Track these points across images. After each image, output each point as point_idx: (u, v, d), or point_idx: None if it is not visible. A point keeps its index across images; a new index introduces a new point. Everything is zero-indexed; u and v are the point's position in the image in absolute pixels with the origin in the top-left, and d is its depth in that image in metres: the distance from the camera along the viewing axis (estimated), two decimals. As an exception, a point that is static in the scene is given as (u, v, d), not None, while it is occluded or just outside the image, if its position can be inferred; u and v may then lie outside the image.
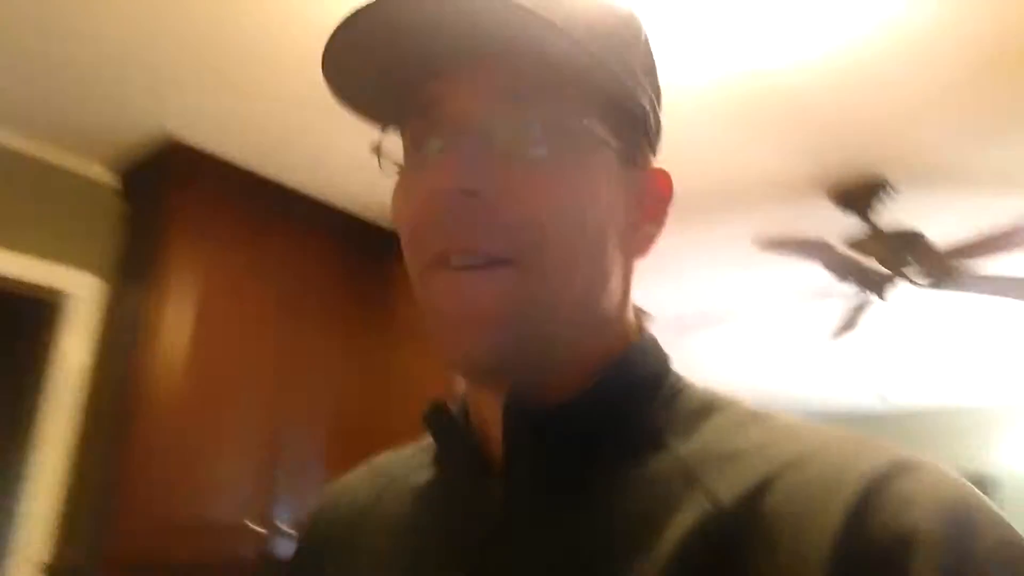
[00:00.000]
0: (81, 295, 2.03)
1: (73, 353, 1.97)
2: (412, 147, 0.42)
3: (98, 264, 2.08)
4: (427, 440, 0.51)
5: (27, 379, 1.96)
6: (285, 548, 2.00)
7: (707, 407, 0.43)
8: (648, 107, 0.44)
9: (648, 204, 0.45)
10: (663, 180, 0.47)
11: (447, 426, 0.46)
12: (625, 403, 0.42)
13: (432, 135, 0.41)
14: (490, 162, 0.38)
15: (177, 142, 1.99)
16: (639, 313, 0.48)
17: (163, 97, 1.82)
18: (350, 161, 2.05)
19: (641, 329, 0.47)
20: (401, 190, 0.42)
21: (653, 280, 2.93)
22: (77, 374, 1.96)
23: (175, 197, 2.01)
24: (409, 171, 0.42)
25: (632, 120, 0.43)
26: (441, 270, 0.39)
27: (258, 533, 1.97)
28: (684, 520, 0.36)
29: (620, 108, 0.42)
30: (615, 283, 0.43)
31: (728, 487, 0.36)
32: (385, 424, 2.23)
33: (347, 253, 2.40)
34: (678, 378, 0.46)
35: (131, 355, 1.89)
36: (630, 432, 0.41)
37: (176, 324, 1.92)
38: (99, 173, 2.15)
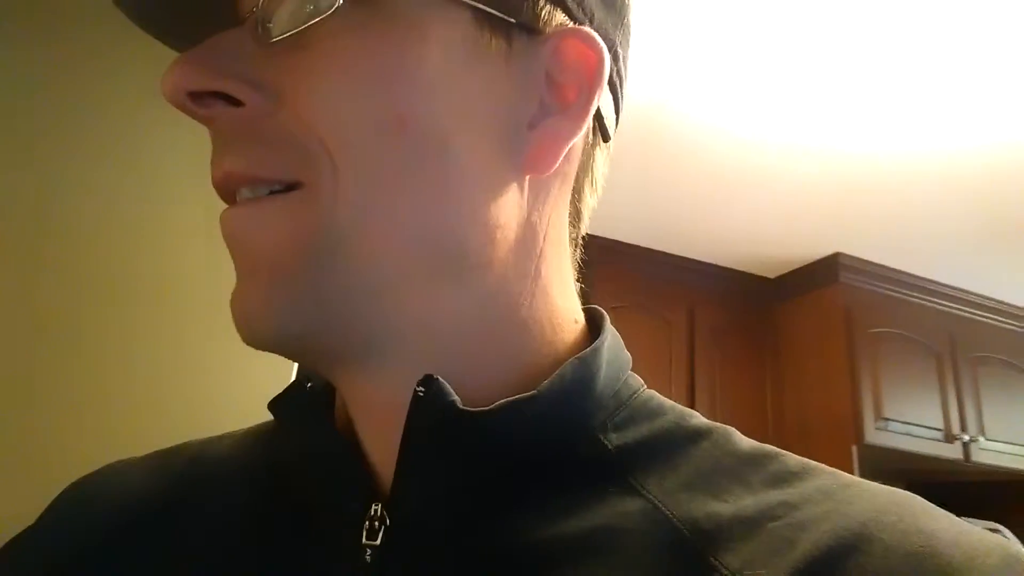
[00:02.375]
0: None
1: None
2: None
3: None
4: (261, 428, 0.38)
5: None
6: None
7: (691, 434, 0.31)
8: None
9: (566, 89, 0.30)
10: (587, 53, 0.30)
11: (310, 420, 0.31)
12: (583, 419, 0.30)
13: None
14: (244, 56, 0.27)
15: (599, 236, 2.39)
16: (592, 307, 0.36)
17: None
18: (735, 230, 2.31)
19: (599, 323, 0.34)
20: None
21: None
22: None
23: (598, 279, 2.27)
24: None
25: None
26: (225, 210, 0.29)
27: None
28: None
29: None
30: (497, 212, 0.29)
31: (760, 574, 0.24)
32: (788, 441, 2.14)
33: (733, 302, 2.62)
34: (647, 393, 0.34)
35: None
36: (587, 461, 0.29)
37: None
38: None
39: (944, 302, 2.60)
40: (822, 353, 2.44)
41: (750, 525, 0.26)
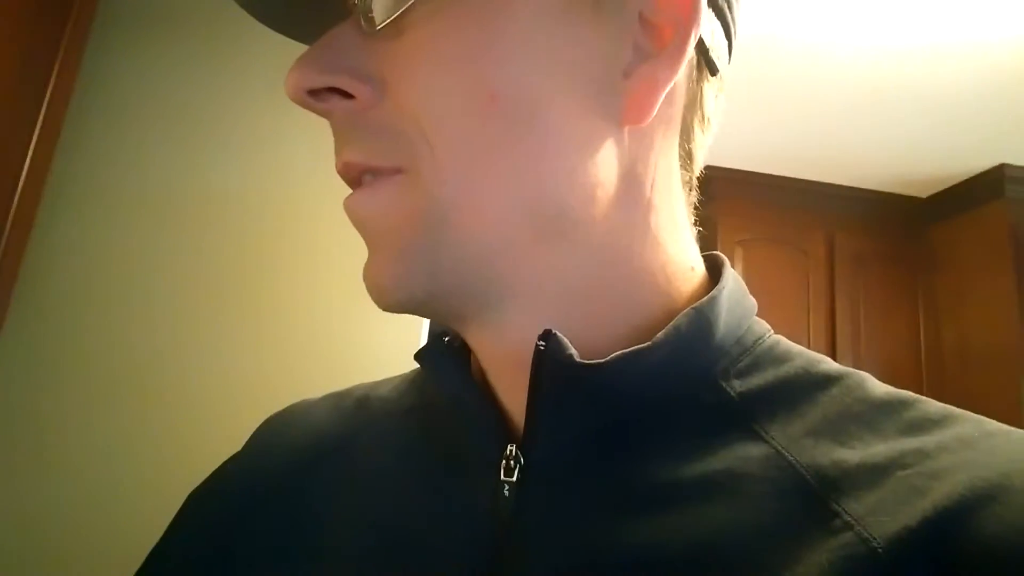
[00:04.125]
0: None
1: None
2: None
3: None
4: (415, 375, 0.41)
5: None
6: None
7: (819, 380, 0.30)
8: None
9: (664, 32, 0.29)
10: None
11: (450, 370, 0.34)
12: (704, 367, 0.30)
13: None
14: (351, 51, 0.29)
15: (720, 168, 2.31)
16: (713, 254, 0.35)
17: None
18: (878, 147, 2.14)
19: (720, 270, 0.33)
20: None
21: None
22: None
23: (716, 209, 2.33)
24: None
25: None
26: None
27: None
28: (818, 561, 0.23)
29: None
30: (599, 167, 0.29)
31: (885, 521, 0.23)
32: (950, 380, 2.22)
33: (877, 227, 2.46)
34: (773, 339, 0.33)
35: None
36: (709, 408, 0.29)
37: None
38: None
39: None
40: (985, 277, 2.22)
41: (878, 473, 0.25)
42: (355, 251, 0.34)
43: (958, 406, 0.67)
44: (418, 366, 0.38)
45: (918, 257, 2.43)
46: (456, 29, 0.28)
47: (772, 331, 0.33)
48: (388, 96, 0.28)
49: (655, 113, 0.29)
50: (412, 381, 0.41)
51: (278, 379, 1.12)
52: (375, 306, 0.31)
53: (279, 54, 1.24)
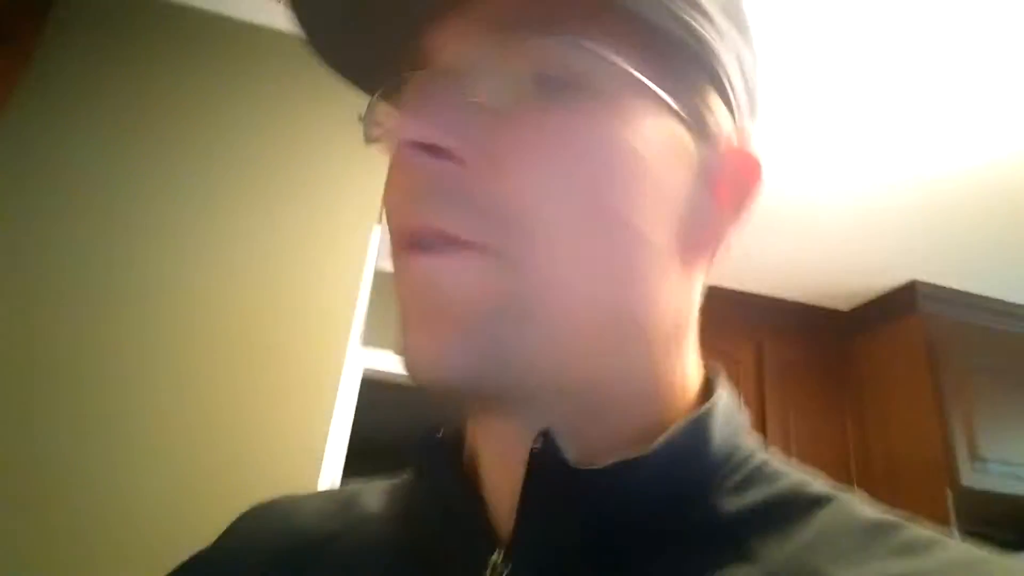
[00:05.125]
0: None
1: None
2: (397, 108, 0.33)
3: None
4: (406, 479, 0.40)
5: None
6: None
7: (810, 500, 0.30)
8: (726, 57, 0.31)
9: (722, 191, 0.33)
10: (747, 162, 0.33)
11: (439, 467, 0.34)
12: (697, 481, 0.30)
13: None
14: (469, 115, 0.28)
15: None
16: (710, 364, 0.36)
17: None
18: (801, 261, 2.24)
19: (714, 382, 0.34)
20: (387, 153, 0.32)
21: None
22: None
23: None
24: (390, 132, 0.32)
25: (694, 67, 0.31)
26: (404, 253, 0.29)
27: None
28: None
29: (672, 47, 0.30)
30: (664, 295, 0.31)
31: None
32: (876, 492, 2.16)
33: (804, 337, 2.52)
34: (764, 456, 0.33)
35: None
36: (701, 524, 0.29)
37: None
38: None
39: (1037, 329, 2.41)
40: (906, 389, 2.28)
41: None
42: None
43: None
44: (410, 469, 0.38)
45: (843, 368, 2.50)
46: (578, 127, 0.28)
47: (762, 447, 0.34)
48: (494, 171, 0.28)
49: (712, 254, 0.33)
50: (402, 485, 0.39)
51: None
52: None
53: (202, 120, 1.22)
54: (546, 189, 0.27)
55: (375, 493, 0.40)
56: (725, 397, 0.33)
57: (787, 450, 2.28)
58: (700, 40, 0.30)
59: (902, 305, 2.35)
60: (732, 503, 0.29)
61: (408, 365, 0.29)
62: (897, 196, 1.89)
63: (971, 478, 2.07)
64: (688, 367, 0.34)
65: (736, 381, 2.20)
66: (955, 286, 2.31)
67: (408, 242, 0.29)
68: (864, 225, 2.03)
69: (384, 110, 0.33)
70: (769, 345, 2.43)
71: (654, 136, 0.29)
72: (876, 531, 0.28)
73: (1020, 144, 1.66)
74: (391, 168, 0.31)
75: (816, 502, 0.30)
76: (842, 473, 2.34)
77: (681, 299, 0.32)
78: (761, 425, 2.30)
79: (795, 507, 0.30)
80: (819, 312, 2.54)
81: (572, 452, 0.28)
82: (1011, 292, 2.33)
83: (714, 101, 0.32)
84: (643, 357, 0.31)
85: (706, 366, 0.36)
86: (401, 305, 0.30)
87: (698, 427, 0.30)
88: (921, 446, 2.18)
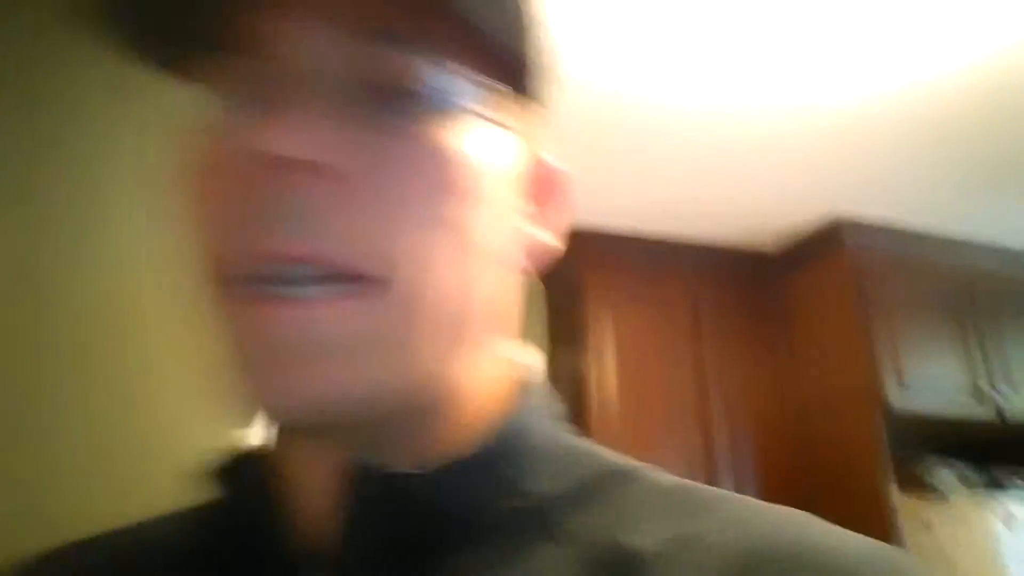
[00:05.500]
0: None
1: None
2: (219, 99, 0.28)
3: (534, 334, 2.48)
4: (189, 506, 0.37)
5: None
6: None
7: (614, 477, 0.33)
8: (532, 55, 0.31)
9: (536, 195, 0.36)
10: (552, 168, 0.37)
11: (248, 488, 0.33)
12: (516, 473, 0.32)
13: (255, 84, 0.27)
14: (344, 129, 0.27)
15: (575, 228, 2.27)
16: (528, 354, 0.38)
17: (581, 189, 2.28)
18: (725, 202, 2.25)
19: (533, 374, 0.37)
20: (194, 159, 0.28)
21: None
22: None
23: (583, 274, 2.36)
24: (212, 132, 0.28)
25: (516, 73, 0.31)
26: (248, 292, 0.26)
27: None
28: None
29: (502, 55, 0.29)
30: (500, 300, 0.33)
31: None
32: (808, 423, 2.38)
33: (738, 282, 2.55)
34: (573, 442, 0.36)
35: (574, 405, 2.23)
36: (517, 513, 0.31)
37: (604, 375, 2.24)
38: None
39: (958, 255, 2.50)
40: (835, 322, 2.36)
41: (668, 556, 0.27)
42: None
43: (826, 450, 1.74)
44: (201, 498, 0.36)
45: (775, 308, 2.56)
46: (448, 146, 0.28)
47: (573, 432, 0.36)
48: (374, 191, 0.27)
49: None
50: (200, 512, 0.36)
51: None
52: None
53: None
54: (424, 209, 0.27)
55: (164, 527, 0.38)
56: (541, 390, 0.36)
57: (726, 391, 2.34)
58: (535, 51, 0.30)
59: (829, 241, 2.40)
60: (546, 489, 0.31)
61: (269, 401, 0.26)
62: (809, 131, 1.89)
63: (898, 400, 2.17)
64: (511, 362, 0.36)
65: (673, 330, 2.25)
66: (880, 218, 2.37)
67: (254, 275, 0.26)
68: (787, 163, 2.04)
69: (215, 108, 0.28)
70: (703, 292, 2.46)
71: (492, 147, 0.31)
72: (672, 497, 0.31)
73: (941, 68, 1.66)
74: (220, 177, 0.27)
75: (622, 478, 0.32)
76: (779, 412, 2.42)
77: (510, 300, 0.34)
78: (700, 370, 2.35)
79: (603, 485, 0.32)
80: (749, 255, 2.58)
81: (400, 459, 0.29)
82: (933, 222, 2.41)
83: (531, 109, 0.33)
84: (477, 359, 0.32)
85: (524, 357, 0.38)
86: (244, 348, 0.26)
87: (518, 423, 0.33)
88: (852, 375, 2.27)
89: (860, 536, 0.28)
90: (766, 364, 2.47)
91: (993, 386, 2.33)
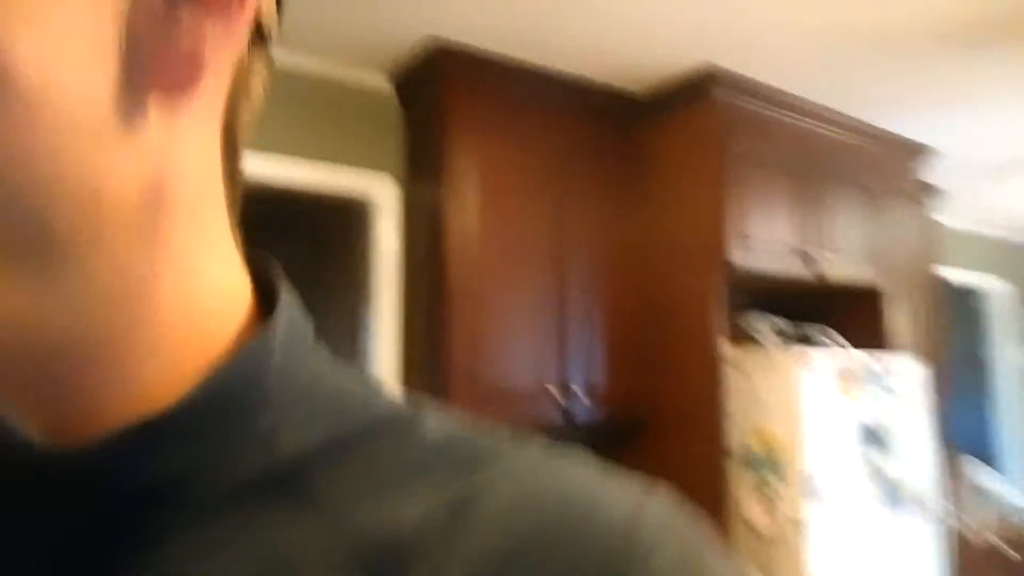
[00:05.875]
0: (383, 194, 2.29)
1: (386, 239, 2.27)
2: None
3: (391, 165, 2.31)
4: None
5: (358, 261, 2.32)
6: (578, 411, 2.22)
7: (379, 424, 0.26)
8: None
9: None
10: None
11: None
12: (251, 429, 0.24)
13: None
14: None
15: (441, 45, 2.10)
16: (262, 258, 0.28)
17: (425, 2, 1.89)
18: (597, 37, 2.10)
19: (272, 284, 0.27)
20: None
21: (955, 117, 2.62)
22: (392, 255, 2.27)
23: (446, 96, 2.14)
24: None
25: None
26: None
27: (556, 397, 2.19)
28: None
29: None
30: (99, 167, 0.20)
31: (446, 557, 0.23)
32: (655, 272, 2.44)
33: (603, 121, 2.46)
34: (331, 374, 0.28)
35: (431, 239, 2.12)
36: (256, 477, 0.23)
37: (464, 209, 2.10)
38: (379, 82, 2.32)
39: (808, 119, 2.58)
40: (692, 174, 2.37)
41: (435, 534, 0.23)
42: None
43: (668, 298, 2.35)
44: None
45: (639, 152, 2.52)
46: None
47: (331, 360, 0.28)
48: None
49: (200, 85, 0.22)
50: None
51: None
52: None
53: None
54: None
55: None
56: (288, 310, 0.26)
57: (581, 231, 2.33)
58: None
59: (696, 90, 2.35)
60: (295, 442, 0.24)
61: None
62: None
63: (739, 257, 2.28)
64: (219, 276, 0.25)
65: (531, 162, 2.14)
66: (746, 74, 2.34)
67: None
68: (663, 6, 1.92)
69: None
70: (568, 127, 2.36)
71: None
72: (440, 451, 0.26)
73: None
74: None
75: (385, 425, 0.27)
76: (630, 251, 2.46)
77: (154, 165, 0.21)
78: (557, 207, 2.30)
79: (362, 434, 0.26)
80: (618, 95, 2.48)
81: (72, 417, 0.22)
82: (791, 84, 2.43)
83: None
84: (101, 274, 0.21)
85: (258, 261, 0.28)
86: None
87: (246, 361, 0.24)
88: (700, 228, 2.33)
89: (639, 492, 0.26)
90: (622, 207, 2.46)
91: (818, 249, 2.51)
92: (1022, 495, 3.96)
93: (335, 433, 0.25)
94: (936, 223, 3.63)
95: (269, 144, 2.08)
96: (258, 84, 0.27)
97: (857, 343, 2.70)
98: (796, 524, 2.07)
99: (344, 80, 2.28)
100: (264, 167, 2.07)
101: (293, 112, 2.16)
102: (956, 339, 5.32)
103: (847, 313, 2.84)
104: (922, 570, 2.37)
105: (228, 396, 0.23)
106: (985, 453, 4.60)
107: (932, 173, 3.26)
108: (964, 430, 5.07)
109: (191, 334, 0.24)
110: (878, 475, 2.29)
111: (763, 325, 2.60)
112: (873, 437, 2.30)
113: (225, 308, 0.25)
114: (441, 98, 2.14)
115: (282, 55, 2.15)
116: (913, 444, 2.43)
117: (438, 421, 0.28)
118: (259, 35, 0.26)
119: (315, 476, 0.24)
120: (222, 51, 0.22)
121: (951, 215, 4.27)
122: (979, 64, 2.25)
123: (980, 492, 3.50)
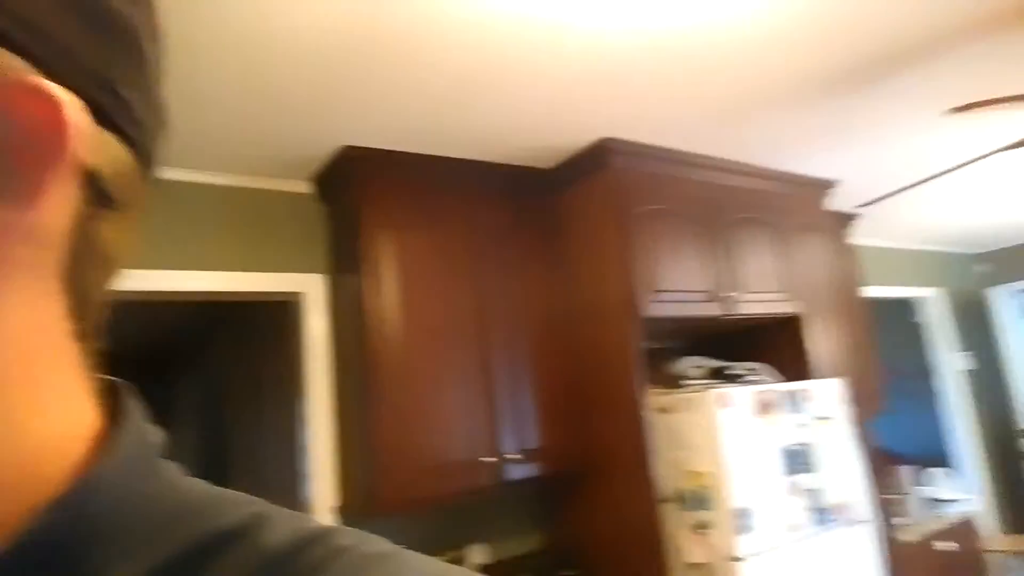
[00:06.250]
0: (312, 289, 2.46)
1: (317, 331, 2.42)
2: None
3: (318, 262, 2.49)
4: None
5: (293, 356, 2.46)
6: (513, 473, 2.36)
7: (219, 539, 0.27)
8: None
9: (26, 159, 0.24)
10: (32, 104, 0.23)
11: None
12: (81, 565, 0.24)
13: None
14: None
15: (355, 150, 2.30)
16: (113, 386, 0.29)
17: (337, 112, 2.08)
18: (499, 124, 2.29)
19: (116, 421, 0.28)
20: None
21: (842, 150, 2.91)
22: (322, 347, 2.41)
23: (361, 194, 2.31)
24: None
25: None
26: None
27: (490, 464, 2.31)
28: None
29: None
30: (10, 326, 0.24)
31: None
32: (578, 332, 2.61)
33: (515, 199, 2.64)
34: (172, 492, 0.28)
35: (357, 328, 2.25)
36: None
37: (384, 295, 2.25)
38: (302, 188, 2.53)
39: (707, 173, 2.79)
40: (600, 237, 2.55)
41: None
42: None
43: (591, 353, 2.59)
44: None
45: (550, 223, 2.70)
46: None
47: (178, 473, 0.29)
48: None
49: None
50: None
51: None
52: None
53: None
54: None
55: None
56: (129, 434, 0.27)
57: (505, 307, 2.47)
58: None
59: (596, 160, 2.55)
60: (132, 570, 0.24)
61: None
62: (579, 57, 1.96)
63: (650, 308, 2.44)
64: (60, 423, 0.26)
65: (452, 250, 2.29)
66: (642, 140, 2.55)
67: None
68: (553, 85, 2.11)
69: None
70: (481, 207, 2.53)
71: None
72: (283, 560, 0.26)
73: (693, 15, 1.79)
74: None
75: (226, 539, 0.27)
76: (556, 322, 2.61)
77: (15, 327, 0.24)
78: (480, 294, 2.44)
79: (202, 553, 0.26)
80: (525, 173, 2.67)
81: None
82: (689, 144, 2.63)
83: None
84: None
85: (110, 390, 0.29)
86: None
87: (70, 503, 0.24)
88: (613, 286, 2.49)
89: None
90: (541, 277, 2.63)
91: (725, 288, 2.69)
92: (968, 494, 4.10)
93: (171, 558, 0.25)
94: (853, 248, 3.85)
95: (203, 260, 2.28)
96: (113, 245, 0.28)
97: (785, 370, 2.86)
98: (732, 559, 2.17)
99: (269, 190, 2.47)
100: (199, 282, 2.24)
101: (224, 225, 2.37)
102: (903, 352, 5.53)
103: (772, 345, 3.01)
104: (859, 584, 2.48)
105: (52, 538, 0.23)
106: (940, 458, 4.75)
107: (844, 202, 3.50)
108: (920, 438, 5.24)
109: (19, 480, 0.24)
110: (806, 495, 2.42)
111: (691, 368, 2.75)
112: (798, 460, 2.43)
113: (62, 449, 0.25)
114: (358, 196, 2.30)
115: (209, 176, 2.37)
116: (838, 461, 2.57)
117: (281, 526, 0.28)
118: (104, 201, 0.26)
119: None
120: (23, 236, 0.23)
121: (875, 237, 4.52)
122: (862, 102, 2.47)
123: (920, 496, 3.63)
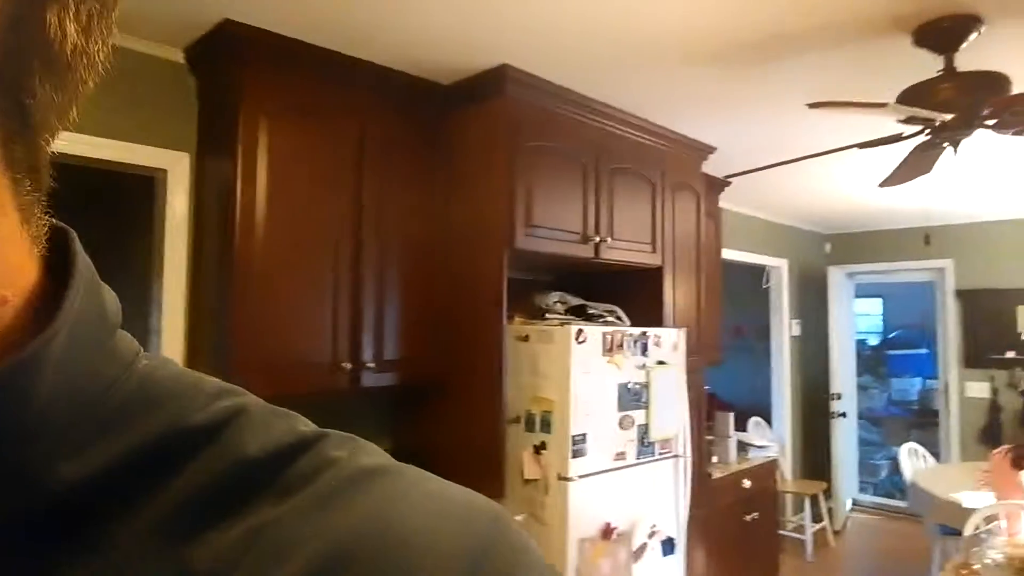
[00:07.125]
0: (177, 166, 2.31)
1: (178, 211, 2.31)
2: None
3: (186, 138, 2.33)
4: None
5: (149, 229, 2.33)
6: (370, 380, 2.40)
7: (191, 437, 0.23)
8: None
9: None
10: None
11: None
12: (14, 452, 0.21)
13: None
14: None
15: (237, 23, 2.12)
16: (56, 231, 0.24)
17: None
18: (400, 30, 2.20)
19: (62, 280, 0.23)
20: None
21: (721, 119, 3.05)
22: (183, 228, 2.31)
23: (241, 75, 2.16)
24: None
25: None
26: None
27: (349, 369, 2.35)
28: None
29: None
30: None
31: None
32: (453, 253, 2.64)
33: (406, 110, 2.58)
34: (138, 373, 0.24)
35: (221, 214, 2.17)
36: (22, 523, 0.21)
37: (259, 187, 2.16)
38: (175, 56, 2.33)
39: (596, 118, 2.86)
40: (485, 163, 2.58)
41: (233, 560, 0.20)
42: None
43: (461, 277, 2.57)
44: None
45: (439, 141, 2.69)
46: None
47: (140, 353, 0.25)
48: None
49: None
50: None
51: None
52: None
53: None
54: None
55: None
56: (78, 300, 0.22)
57: (381, 219, 2.47)
58: None
59: (493, 86, 2.55)
60: (76, 469, 0.20)
61: None
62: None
63: (523, 241, 2.52)
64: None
65: (336, 151, 2.25)
66: (539, 73, 2.56)
67: None
68: (463, 4, 2.07)
69: None
70: (372, 113, 2.47)
71: None
72: (261, 469, 0.23)
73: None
74: None
75: (199, 437, 0.23)
76: (430, 240, 2.64)
77: None
78: (357, 194, 2.42)
79: (169, 452, 0.22)
80: (421, 84, 2.62)
81: None
82: (581, 85, 2.68)
83: None
84: None
85: (52, 237, 0.24)
86: None
87: (16, 378, 0.20)
88: (490, 215, 2.54)
89: (458, 519, 0.24)
90: (422, 193, 2.63)
91: (597, 232, 2.83)
92: (775, 443, 4.67)
93: (132, 452, 0.22)
94: (718, 212, 4.13)
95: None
96: (67, 34, 0.23)
97: (639, 317, 3.07)
98: (563, 478, 2.38)
99: (139, 52, 2.26)
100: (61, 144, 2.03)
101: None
102: (748, 313, 6.06)
103: (632, 291, 3.22)
104: (667, 501, 2.80)
105: None
106: (763, 410, 5.34)
107: (717, 168, 3.72)
108: (748, 391, 5.83)
109: None
110: (635, 429, 2.67)
111: (555, 302, 2.89)
112: (633, 397, 2.67)
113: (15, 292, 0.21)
114: (237, 76, 2.17)
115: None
116: (669, 402, 2.84)
117: (266, 433, 0.24)
118: None
119: (103, 512, 0.20)
120: None
121: (738, 204, 4.85)
122: (748, 78, 2.62)
123: (737, 440, 4.09)
